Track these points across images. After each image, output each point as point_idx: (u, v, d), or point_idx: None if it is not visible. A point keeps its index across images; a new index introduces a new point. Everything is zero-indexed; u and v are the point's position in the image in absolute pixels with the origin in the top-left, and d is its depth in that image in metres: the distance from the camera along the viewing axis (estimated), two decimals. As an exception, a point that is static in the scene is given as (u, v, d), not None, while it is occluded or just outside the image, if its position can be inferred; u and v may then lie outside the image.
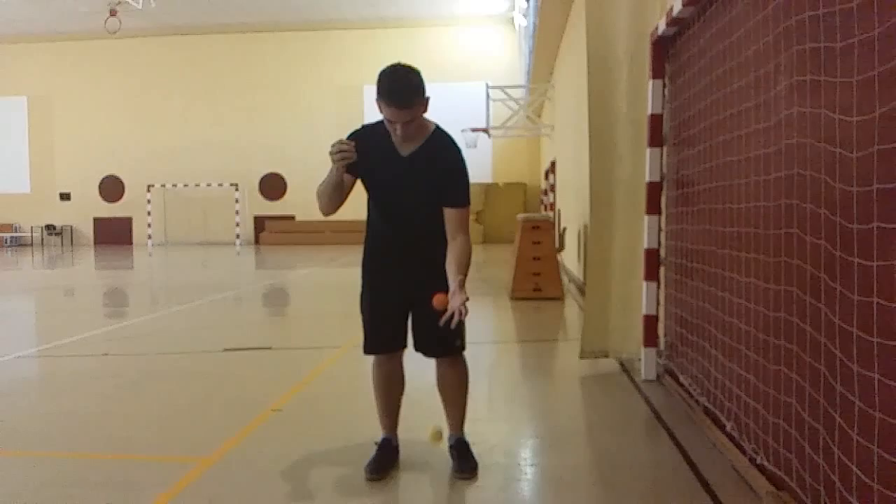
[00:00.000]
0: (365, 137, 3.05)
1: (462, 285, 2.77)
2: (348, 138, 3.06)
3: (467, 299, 2.73)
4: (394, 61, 2.95)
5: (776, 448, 2.77)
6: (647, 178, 4.66)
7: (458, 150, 3.05)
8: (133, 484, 3.14)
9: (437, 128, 3.06)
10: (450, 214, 2.98)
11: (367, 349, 3.22)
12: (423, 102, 2.90)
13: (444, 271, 3.11)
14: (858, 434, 2.09)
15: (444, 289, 3.14)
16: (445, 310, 2.71)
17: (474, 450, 3.27)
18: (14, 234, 30.26)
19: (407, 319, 3.18)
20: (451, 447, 3.28)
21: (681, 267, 4.36)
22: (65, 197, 30.67)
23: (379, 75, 2.84)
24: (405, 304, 3.15)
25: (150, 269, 17.31)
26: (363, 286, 3.25)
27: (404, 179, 2.99)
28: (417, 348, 3.20)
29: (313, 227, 27.81)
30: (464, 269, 2.89)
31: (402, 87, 2.82)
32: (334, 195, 2.99)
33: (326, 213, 3.08)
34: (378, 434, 3.33)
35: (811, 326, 2.44)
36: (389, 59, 3.10)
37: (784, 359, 2.69)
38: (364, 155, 2.98)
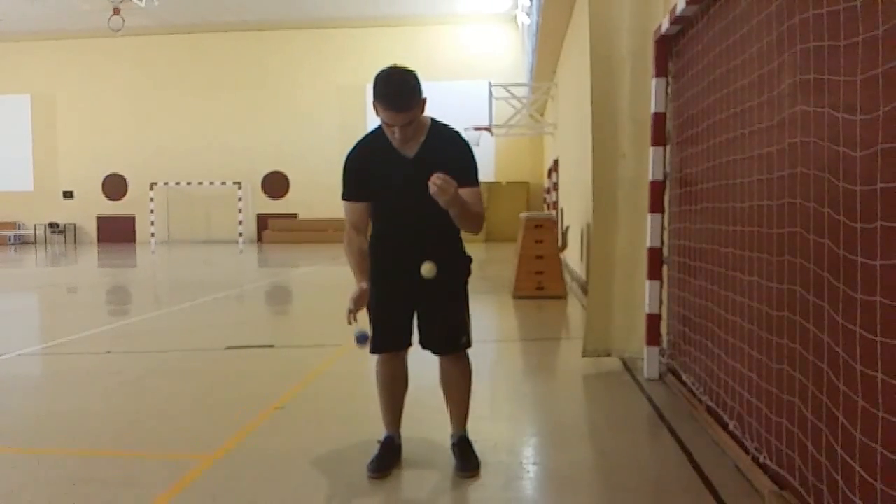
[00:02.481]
0: (365, 154, 3.06)
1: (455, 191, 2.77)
2: (348, 159, 3.08)
3: (453, 189, 2.75)
4: (396, 60, 2.96)
5: (779, 447, 2.76)
6: (651, 177, 4.66)
7: (459, 135, 3.08)
8: (136, 481, 3.15)
9: (433, 121, 3.07)
10: (463, 196, 2.98)
11: (374, 348, 3.22)
12: (421, 103, 2.91)
13: (453, 266, 3.12)
14: (861, 433, 2.09)
15: (452, 286, 3.15)
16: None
17: (477, 448, 3.27)
18: (17, 232, 30.29)
19: (413, 318, 3.18)
20: (453, 445, 3.28)
21: (684, 266, 4.35)
22: (68, 195, 30.70)
23: (375, 79, 2.84)
24: (412, 303, 3.15)
25: (152, 267, 17.33)
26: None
27: (414, 180, 2.97)
28: (425, 345, 3.20)
29: (316, 225, 27.83)
30: (468, 207, 2.90)
31: (399, 90, 2.83)
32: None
33: None
34: (381, 432, 3.34)
35: (814, 325, 2.44)
36: (392, 57, 3.11)
37: (787, 358, 2.69)
38: (370, 173, 3.01)
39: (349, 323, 2.92)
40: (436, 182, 2.71)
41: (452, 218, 2.94)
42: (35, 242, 30.23)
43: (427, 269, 2.90)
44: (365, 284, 2.96)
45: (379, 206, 3.12)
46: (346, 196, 3.10)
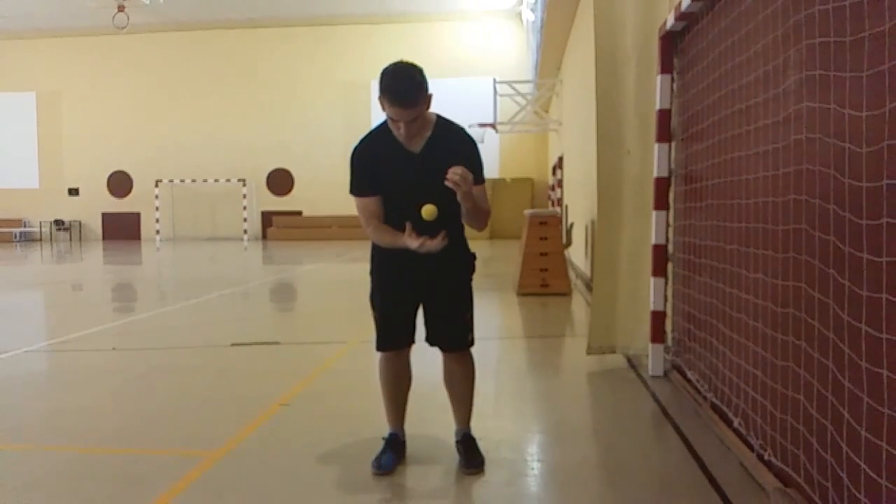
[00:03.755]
0: (371, 149, 3.06)
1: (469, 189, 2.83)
2: (355, 154, 3.07)
3: (471, 178, 2.81)
4: (400, 57, 2.94)
5: (784, 444, 2.76)
6: (656, 174, 4.65)
7: (464, 131, 3.09)
8: (141, 477, 3.16)
9: (439, 117, 3.07)
10: None
11: (381, 346, 3.22)
12: (427, 99, 2.90)
13: (458, 261, 3.12)
14: (866, 430, 2.08)
15: (457, 283, 3.15)
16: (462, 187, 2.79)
17: (481, 445, 3.28)
18: (23, 229, 30.38)
19: (416, 315, 3.19)
20: (457, 442, 3.29)
21: (689, 263, 4.35)
22: (73, 192, 30.76)
23: (382, 74, 2.84)
24: (417, 300, 3.15)
25: (157, 265, 17.37)
26: (373, 284, 3.24)
27: (421, 176, 2.97)
28: (432, 342, 3.20)
29: (320, 222, 27.85)
30: (479, 203, 2.93)
31: (406, 86, 2.83)
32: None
33: None
34: (385, 429, 3.34)
35: (819, 322, 2.43)
36: (396, 54, 3.10)
37: (792, 355, 2.68)
38: (378, 169, 3.00)
39: (438, 240, 2.81)
40: (457, 172, 2.75)
41: (463, 213, 2.95)
42: (40, 239, 30.32)
43: (428, 210, 2.83)
44: (405, 232, 2.86)
45: (384, 201, 3.11)
46: (357, 192, 3.09)
